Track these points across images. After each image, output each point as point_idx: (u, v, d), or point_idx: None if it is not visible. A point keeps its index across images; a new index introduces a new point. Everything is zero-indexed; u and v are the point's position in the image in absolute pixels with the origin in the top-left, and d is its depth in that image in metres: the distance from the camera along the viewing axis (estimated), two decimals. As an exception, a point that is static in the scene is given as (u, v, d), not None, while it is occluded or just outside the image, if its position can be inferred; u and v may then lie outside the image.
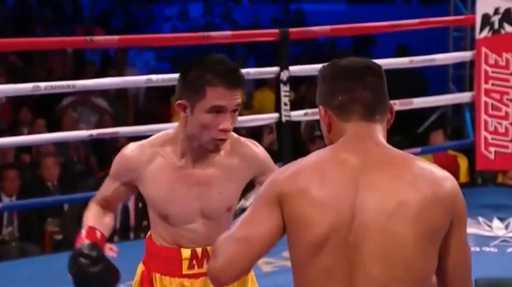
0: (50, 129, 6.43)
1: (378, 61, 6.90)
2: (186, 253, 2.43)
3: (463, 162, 6.49)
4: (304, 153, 6.79)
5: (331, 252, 1.71)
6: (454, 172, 6.39)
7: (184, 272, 2.43)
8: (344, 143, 1.79)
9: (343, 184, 1.72)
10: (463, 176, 6.47)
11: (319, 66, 6.26)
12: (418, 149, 6.11)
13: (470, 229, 5.20)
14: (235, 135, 2.44)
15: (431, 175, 1.74)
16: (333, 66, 1.83)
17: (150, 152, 2.39)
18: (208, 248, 2.40)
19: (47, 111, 7.18)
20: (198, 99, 2.29)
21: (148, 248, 2.49)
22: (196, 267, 2.43)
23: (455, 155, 6.52)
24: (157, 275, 2.45)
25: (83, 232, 2.37)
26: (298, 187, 1.73)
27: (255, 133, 7.05)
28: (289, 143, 5.55)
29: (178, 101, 2.33)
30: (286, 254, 5.14)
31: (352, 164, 1.74)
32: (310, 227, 1.72)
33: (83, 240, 2.34)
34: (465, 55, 6.41)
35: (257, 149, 2.48)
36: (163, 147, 2.39)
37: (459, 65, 6.92)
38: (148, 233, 2.50)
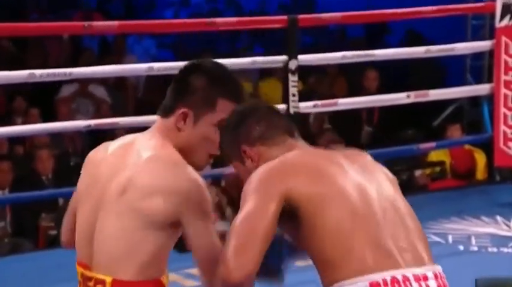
0: (45, 120, 6.45)
1: (392, 50, 6.85)
2: (166, 280, 2.20)
3: (480, 158, 6.50)
4: (313, 146, 6.76)
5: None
6: (471, 167, 6.40)
7: None
8: (301, 150, 2.15)
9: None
10: (481, 172, 6.48)
11: (330, 55, 6.23)
12: (433, 144, 6.13)
13: (488, 229, 5.23)
14: None
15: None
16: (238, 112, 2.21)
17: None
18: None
19: (42, 100, 7.20)
20: (206, 111, 2.20)
21: None
22: None
23: (472, 151, 6.53)
24: None
25: None
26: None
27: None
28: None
29: (182, 110, 2.19)
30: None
31: (338, 156, 2.12)
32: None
33: None
34: (484, 45, 6.41)
35: None
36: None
37: (477, 55, 6.93)
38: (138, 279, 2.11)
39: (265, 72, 8.07)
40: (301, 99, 5.56)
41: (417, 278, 1.95)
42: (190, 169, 2.14)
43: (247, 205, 1.93)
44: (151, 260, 2.10)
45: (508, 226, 5.29)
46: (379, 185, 2.07)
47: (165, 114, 2.22)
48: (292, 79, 5.48)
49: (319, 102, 5.81)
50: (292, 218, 1.95)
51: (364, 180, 2.04)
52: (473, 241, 5.04)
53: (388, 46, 8.27)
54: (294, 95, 5.49)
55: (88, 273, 2.13)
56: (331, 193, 1.96)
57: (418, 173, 6.50)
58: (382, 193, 2.05)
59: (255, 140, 2.14)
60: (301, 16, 5.64)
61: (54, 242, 5.60)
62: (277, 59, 5.60)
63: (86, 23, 5.02)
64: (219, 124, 2.21)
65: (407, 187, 6.51)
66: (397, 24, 9.08)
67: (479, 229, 5.24)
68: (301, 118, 5.83)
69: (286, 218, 1.95)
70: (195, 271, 4.49)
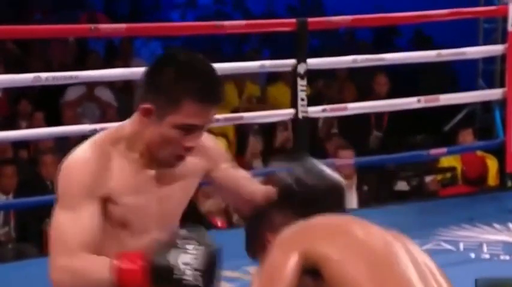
0: (50, 123, 6.46)
1: (403, 54, 6.87)
2: None
3: (492, 163, 6.49)
4: (321, 151, 6.79)
5: None
6: (483, 174, 6.39)
7: None
8: None
9: None
10: (492, 178, 6.46)
11: (340, 59, 6.25)
12: (444, 149, 6.11)
13: (500, 236, 5.21)
14: None
15: None
16: None
17: (103, 152, 2.10)
18: None
19: (47, 103, 7.21)
20: (169, 110, 2.04)
21: None
22: None
23: (483, 156, 6.52)
24: None
25: (122, 258, 1.96)
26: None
27: (267, 130, 7.07)
28: (306, 141, 5.56)
29: (144, 106, 2.06)
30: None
31: None
32: None
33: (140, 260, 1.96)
34: (496, 49, 6.40)
35: (209, 141, 2.26)
36: (116, 146, 2.12)
37: (489, 60, 6.92)
38: None
39: (272, 76, 8.07)
40: (308, 104, 5.56)
41: None
42: (79, 150, 2.09)
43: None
44: None
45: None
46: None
47: (136, 107, 2.12)
48: (301, 83, 5.48)
49: (328, 107, 5.80)
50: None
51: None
52: (485, 248, 5.03)
53: (396, 48, 8.28)
54: (302, 100, 5.49)
55: None
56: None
57: (428, 179, 6.49)
58: None
59: None
60: (310, 19, 5.64)
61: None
62: (286, 63, 5.59)
63: (93, 26, 5.02)
64: (183, 127, 2.05)
65: (418, 193, 6.51)
66: (405, 26, 9.09)
67: (491, 236, 5.23)
68: (310, 123, 5.82)
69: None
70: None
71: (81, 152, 2.10)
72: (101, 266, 1.97)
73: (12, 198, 5.76)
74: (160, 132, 2.06)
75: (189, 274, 1.94)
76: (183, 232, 2.01)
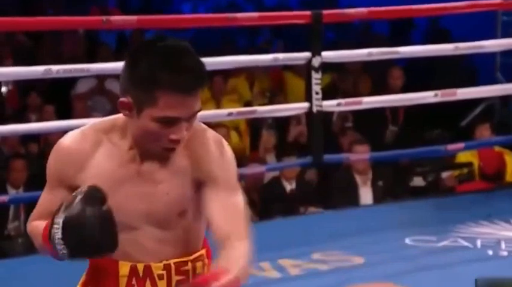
0: (60, 117, 6.47)
1: (420, 48, 6.84)
2: (124, 268, 2.12)
3: (510, 159, 6.46)
4: (336, 146, 6.77)
5: None
6: (500, 169, 6.37)
7: None
8: None
9: None
10: (510, 174, 6.44)
11: (355, 52, 6.24)
12: (462, 145, 6.09)
13: (518, 234, 5.19)
14: (201, 125, 2.15)
15: None
16: None
17: (94, 139, 2.10)
18: (153, 264, 2.12)
19: (57, 96, 7.23)
20: (146, 104, 1.97)
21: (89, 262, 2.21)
22: None
23: (502, 152, 6.49)
24: None
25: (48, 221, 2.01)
26: None
27: (280, 125, 7.06)
28: (321, 135, 5.55)
29: (122, 99, 2.01)
30: (315, 256, 5.18)
31: None
32: None
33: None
34: (514, 42, 6.38)
35: (212, 147, 2.11)
36: (109, 134, 2.10)
37: (508, 53, 6.88)
38: None
39: (285, 67, 8.05)
40: (323, 98, 5.54)
41: None
42: (69, 135, 2.12)
43: None
44: None
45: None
46: None
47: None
48: (316, 76, 5.46)
49: (343, 100, 5.79)
50: None
51: None
52: (503, 245, 5.01)
53: (412, 42, 8.25)
54: (317, 93, 5.48)
55: None
56: None
57: (445, 174, 6.47)
58: None
59: None
60: (325, 12, 5.62)
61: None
62: (300, 56, 5.58)
63: (105, 18, 5.02)
64: (163, 120, 1.98)
65: (434, 189, 6.49)
66: (421, 19, 9.05)
67: (509, 233, 5.21)
68: (324, 117, 5.81)
69: None
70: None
71: (68, 138, 2.12)
72: (39, 228, 2.08)
73: (22, 192, 5.78)
74: (141, 126, 2.01)
75: (57, 248, 1.97)
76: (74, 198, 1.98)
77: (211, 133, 2.13)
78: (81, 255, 1.98)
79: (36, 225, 2.11)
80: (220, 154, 2.11)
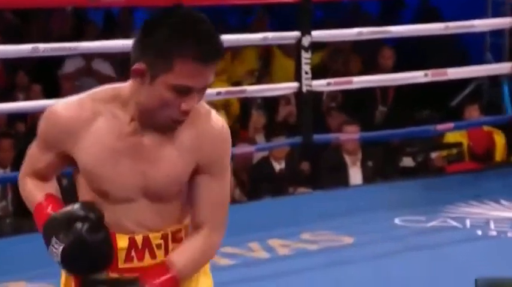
0: (47, 96, 6.44)
1: (410, 27, 6.82)
2: (122, 241, 2.10)
3: (499, 139, 6.47)
4: (325, 126, 6.73)
5: None
6: (490, 149, 6.38)
7: (121, 266, 2.11)
8: None
9: None
10: (500, 154, 6.45)
11: (345, 31, 6.19)
12: (451, 125, 6.09)
13: (508, 213, 5.21)
14: (206, 106, 2.13)
15: None
16: None
17: (92, 109, 2.06)
18: (151, 235, 2.11)
19: (44, 75, 7.18)
20: (161, 70, 1.96)
21: None
22: (135, 259, 2.11)
23: (491, 132, 6.50)
24: None
25: (43, 203, 2.13)
26: None
27: (270, 105, 7.04)
28: (311, 115, 5.54)
29: (136, 66, 1.99)
30: (304, 236, 5.18)
31: None
32: None
33: (50, 211, 2.09)
34: (505, 21, 6.37)
35: (216, 132, 2.11)
36: (108, 104, 2.07)
37: (498, 33, 6.87)
38: None
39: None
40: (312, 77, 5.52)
41: None
42: (67, 100, 2.10)
43: None
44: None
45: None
46: None
47: (131, 67, 2.04)
48: (305, 56, 5.45)
49: (332, 80, 5.77)
50: None
51: None
52: (492, 225, 5.02)
53: (401, 21, 8.22)
54: (307, 73, 5.47)
55: None
56: None
57: (434, 155, 6.48)
58: None
59: None
60: (315, -10, 5.59)
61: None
62: (290, 35, 5.56)
63: (92, -5, 4.98)
64: (178, 88, 1.96)
65: (423, 170, 6.49)
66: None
67: (499, 213, 5.22)
68: (314, 97, 5.80)
69: None
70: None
71: (65, 106, 2.09)
72: (33, 198, 2.19)
73: (9, 171, 5.75)
74: (154, 94, 1.98)
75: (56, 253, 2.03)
76: (75, 210, 2.05)
77: (215, 116, 2.12)
78: (75, 273, 2.09)
79: (30, 192, 2.19)
80: (222, 140, 2.12)
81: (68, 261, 2.01)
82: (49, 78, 7.14)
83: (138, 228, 2.11)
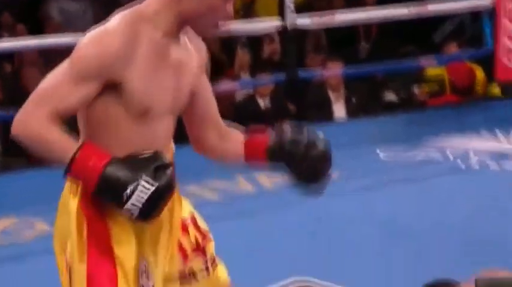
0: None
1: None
2: None
3: (479, 73, 6.51)
4: (307, 64, 6.62)
5: None
6: (470, 83, 6.43)
7: None
8: None
9: None
10: (480, 87, 6.50)
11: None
12: (434, 60, 6.13)
13: (488, 144, 5.28)
14: None
15: None
16: None
17: (134, 31, 2.05)
18: (166, 150, 2.18)
19: (29, 16, 7.14)
20: None
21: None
22: None
23: (472, 66, 6.54)
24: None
25: (90, 145, 2.04)
26: None
27: (254, 43, 7.03)
28: (295, 53, 5.55)
29: None
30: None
31: None
32: None
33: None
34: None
35: (201, 42, 2.24)
36: (141, 25, 2.07)
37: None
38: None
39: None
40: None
41: None
42: (111, 26, 2.04)
43: None
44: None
45: (508, 140, 5.34)
46: None
47: None
48: (289, -8, 5.44)
49: (316, 17, 5.77)
50: None
51: None
52: (473, 157, 5.09)
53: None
54: (290, 10, 5.45)
55: None
56: None
57: (416, 90, 6.52)
58: None
59: None
60: None
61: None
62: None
63: None
64: None
65: (407, 105, 6.54)
66: None
67: (479, 144, 5.29)
68: (298, 34, 5.80)
69: None
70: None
71: (112, 30, 2.04)
72: (64, 148, 2.03)
73: (-3, 112, 5.75)
74: (201, 1, 2.04)
75: (128, 205, 2.00)
76: (156, 159, 2.04)
77: None
78: (142, 219, 2.05)
79: (60, 137, 2.04)
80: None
81: (155, 200, 2.01)
82: (34, 18, 7.10)
83: (162, 146, 2.14)
